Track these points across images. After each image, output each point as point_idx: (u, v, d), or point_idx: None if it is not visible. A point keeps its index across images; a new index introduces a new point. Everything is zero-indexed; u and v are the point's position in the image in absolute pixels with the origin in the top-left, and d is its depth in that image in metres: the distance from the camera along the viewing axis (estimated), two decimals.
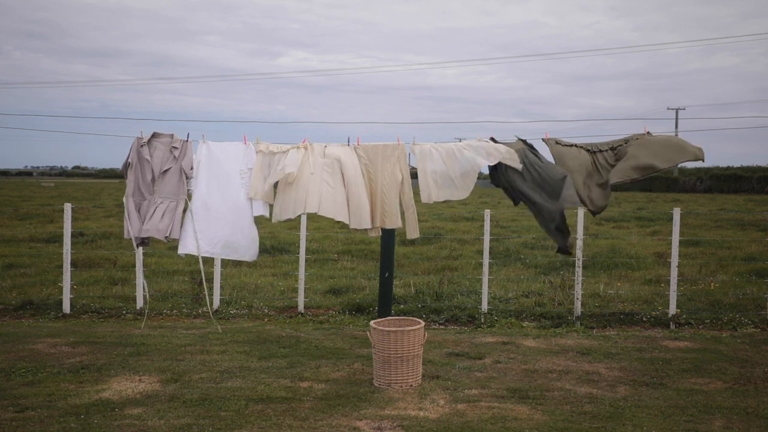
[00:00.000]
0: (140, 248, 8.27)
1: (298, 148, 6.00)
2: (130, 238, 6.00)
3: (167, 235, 5.91)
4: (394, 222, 6.05)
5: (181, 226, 6.03)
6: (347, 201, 5.94)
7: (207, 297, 6.29)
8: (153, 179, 5.97)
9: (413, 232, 6.06)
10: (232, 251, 6.03)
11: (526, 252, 13.87)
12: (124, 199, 6.05)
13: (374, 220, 6.03)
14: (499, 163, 5.92)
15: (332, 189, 5.90)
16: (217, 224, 5.98)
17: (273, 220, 6.08)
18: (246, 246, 6.03)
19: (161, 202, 5.93)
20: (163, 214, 5.90)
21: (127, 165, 6.04)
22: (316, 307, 9.17)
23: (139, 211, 5.97)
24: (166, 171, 5.99)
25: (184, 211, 6.05)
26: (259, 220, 6.20)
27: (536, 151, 6.05)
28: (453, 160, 5.96)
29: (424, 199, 6.02)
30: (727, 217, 21.19)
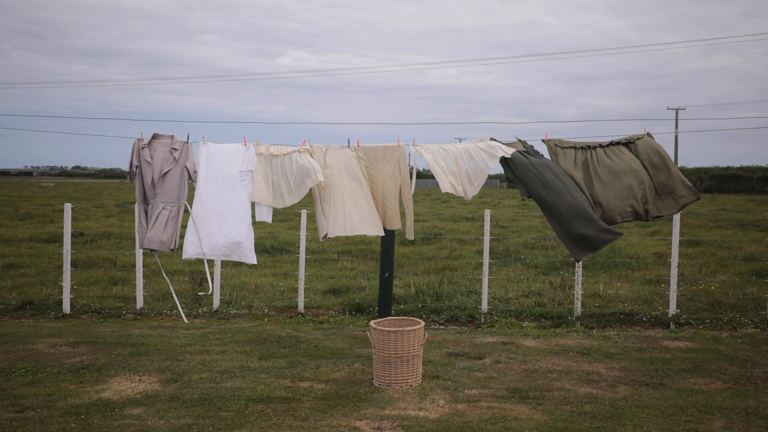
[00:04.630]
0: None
1: (299, 151, 5.96)
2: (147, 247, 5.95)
3: (172, 247, 5.85)
4: (394, 223, 6.06)
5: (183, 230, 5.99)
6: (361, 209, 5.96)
7: (210, 281, 6.23)
8: (153, 182, 5.92)
9: (410, 233, 6.07)
10: (232, 253, 5.97)
11: (526, 252, 13.88)
12: (135, 206, 6.00)
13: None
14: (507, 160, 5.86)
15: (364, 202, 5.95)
16: (216, 226, 5.93)
17: (324, 237, 6.00)
18: (246, 248, 5.98)
19: (163, 208, 5.85)
20: (165, 223, 5.82)
21: (132, 171, 5.98)
22: (316, 307, 9.17)
23: (147, 214, 5.92)
24: (166, 173, 5.93)
25: (186, 213, 5.99)
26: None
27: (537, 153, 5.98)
28: (462, 161, 5.94)
29: (444, 189, 5.98)
30: (727, 217, 21.17)
